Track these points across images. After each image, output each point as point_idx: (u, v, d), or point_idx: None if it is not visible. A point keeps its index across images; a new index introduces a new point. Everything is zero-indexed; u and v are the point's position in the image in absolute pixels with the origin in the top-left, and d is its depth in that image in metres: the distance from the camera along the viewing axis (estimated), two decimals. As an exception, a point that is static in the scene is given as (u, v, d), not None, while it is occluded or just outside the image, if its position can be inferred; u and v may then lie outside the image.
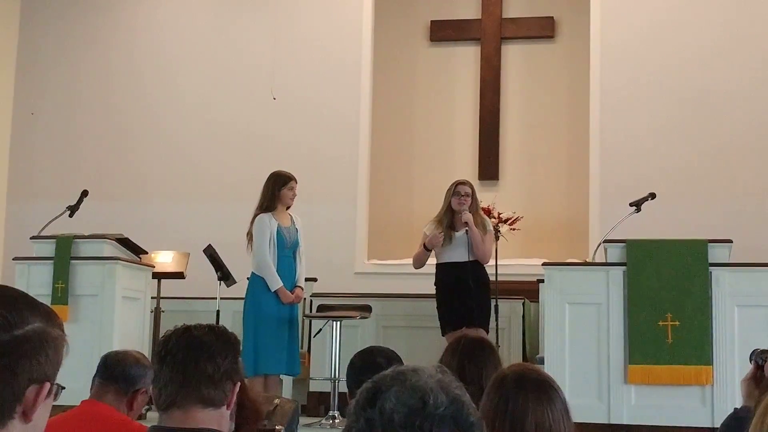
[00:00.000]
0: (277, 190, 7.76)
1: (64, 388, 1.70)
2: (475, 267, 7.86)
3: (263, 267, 7.66)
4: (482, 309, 7.79)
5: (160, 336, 2.60)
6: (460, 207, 7.89)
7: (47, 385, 1.65)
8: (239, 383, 2.54)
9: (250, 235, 7.74)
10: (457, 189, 7.98)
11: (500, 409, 2.46)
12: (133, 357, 3.78)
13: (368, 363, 3.72)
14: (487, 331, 7.75)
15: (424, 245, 8.02)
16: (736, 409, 3.43)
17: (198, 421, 2.39)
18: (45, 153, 12.02)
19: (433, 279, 8.10)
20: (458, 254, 7.86)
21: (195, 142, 11.69)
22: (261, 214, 7.70)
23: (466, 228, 7.81)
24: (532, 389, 2.49)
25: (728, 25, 10.80)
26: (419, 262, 8.16)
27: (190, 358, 2.44)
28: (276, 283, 7.62)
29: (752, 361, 3.45)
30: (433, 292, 8.10)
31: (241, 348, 2.59)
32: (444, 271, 7.96)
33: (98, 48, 12.10)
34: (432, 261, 8.15)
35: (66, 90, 12.07)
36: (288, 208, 7.88)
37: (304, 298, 8.66)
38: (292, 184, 7.82)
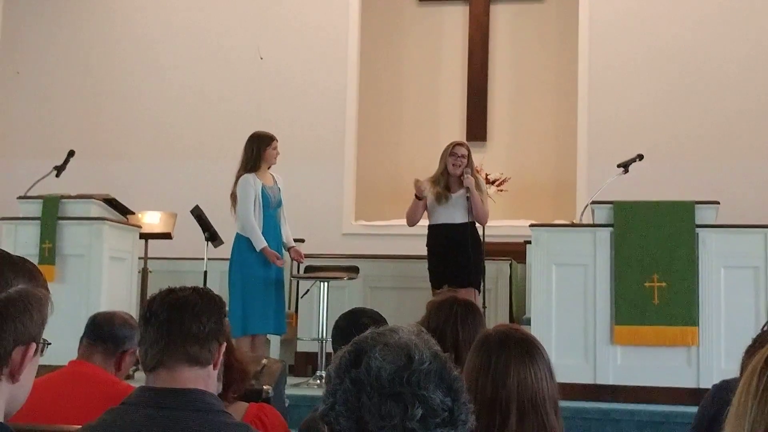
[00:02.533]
0: (262, 150, 7.75)
1: (50, 343, 1.71)
2: (472, 228, 7.89)
3: (247, 227, 7.65)
4: (477, 269, 7.84)
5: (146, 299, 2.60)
6: (455, 169, 7.91)
7: (33, 345, 1.65)
8: (225, 344, 2.55)
9: (234, 196, 7.73)
10: (453, 150, 8.00)
11: (483, 367, 2.47)
12: (121, 317, 3.78)
13: (353, 324, 3.73)
14: (480, 291, 7.82)
15: (416, 195, 8.05)
16: (723, 381, 3.42)
17: (185, 380, 2.40)
18: (31, 112, 11.95)
19: (420, 240, 8.12)
20: (455, 215, 7.88)
21: (183, 104, 11.64)
22: (245, 175, 7.69)
23: (467, 192, 7.81)
24: (516, 348, 2.50)
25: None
26: (412, 215, 8.16)
27: (175, 317, 2.44)
28: (261, 242, 7.62)
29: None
30: (422, 253, 8.12)
31: (226, 309, 2.59)
32: (438, 231, 7.97)
33: (85, 8, 12.00)
34: (424, 222, 8.15)
35: (52, 49, 11.99)
36: (269, 167, 7.87)
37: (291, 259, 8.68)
38: (275, 143, 7.82)
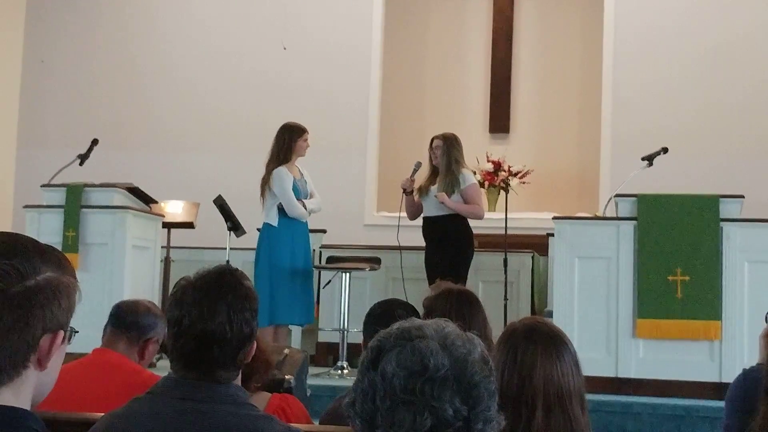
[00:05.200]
0: (293, 142, 7.76)
1: (77, 332, 1.71)
2: (451, 221, 7.82)
3: (300, 212, 7.68)
4: (452, 264, 7.69)
5: (170, 294, 2.50)
6: (435, 161, 7.95)
7: (61, 333, 1.65)
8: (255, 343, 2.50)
9: (264, 186, 7.71)
10: (430, 144, 8.04)
11: (509, 361, 2.45)
12: (145, 306, 3.79)
13: (388, 313, 3.72)
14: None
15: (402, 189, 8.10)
16: (744, 369, 3.41)
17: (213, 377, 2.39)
18: (55, 101, 12.00)
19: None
20: (431, 208, 7.91)
21: (205, 93, 11.66)
22: (279, 167, 7.69)
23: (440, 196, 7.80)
24: (542, 342, 2.48)
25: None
26: (406, 210, 8.17)
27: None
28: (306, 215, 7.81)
29: (767, 320, 3.44)
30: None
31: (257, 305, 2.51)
32: (424, 225, 8.01)
33: (108, -4, 12.05)
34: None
35: (76, 38, 12.03)
36: (298, 159, 7.88)
37: (314, 249, 8.70)
38: (306, 135, 7.83)
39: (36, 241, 1.69)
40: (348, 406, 1.60)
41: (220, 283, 2.42)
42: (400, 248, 8.02)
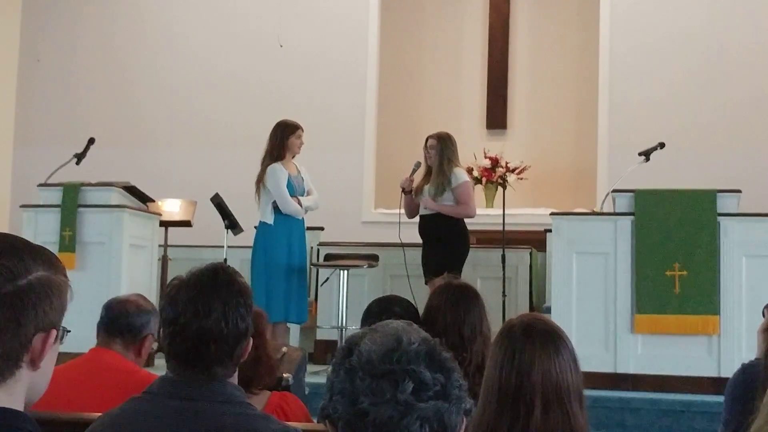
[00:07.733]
0: (285, 139, 7.75)
1: (69, 331, 1.71)
2: (440, 219, 7.82)
3: (289, 208, 7.68)
4: (444, 261, 7.64)
5: (165, 294, 2.48)
6: (429, 161, 7.94)
7: (53, 332, 1.65)
8: (251, 339, 2.47)
9: (260, 181, 7.71)
10: (425, 144, 8.00)
11: (507, 359, 2.44)
12: (135, 305, 3.67)
13: (385, 310, 3.71)
14: None
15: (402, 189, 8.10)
16: (743, 364, 3.41)
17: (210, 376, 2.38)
18: (52, 100, 11.98)
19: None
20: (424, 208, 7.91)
21: (202, 91, 11.65)
22: (273, 164, 7.69)
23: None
24: (540, 340, 2.47)
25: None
26: (405, 208, 8.16)
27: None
28: (301, 211, 7.78)
29: (765, 315, 3.45)
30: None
31: (252, 302, 2.49)
32: (419, 223, 8.01)
33: (104, -6, 12.04)
34: None
35: (73, 37, 12.01)
36: (293, 156, 7.87)
37: (311, 247, 8.67)
38: (299, 132, 7.82)
39: (27, 240, 1.69)
40: (323, 408, 1.63)
41: (214, 280, 2.41)
42: (402, 245, 8.00)
